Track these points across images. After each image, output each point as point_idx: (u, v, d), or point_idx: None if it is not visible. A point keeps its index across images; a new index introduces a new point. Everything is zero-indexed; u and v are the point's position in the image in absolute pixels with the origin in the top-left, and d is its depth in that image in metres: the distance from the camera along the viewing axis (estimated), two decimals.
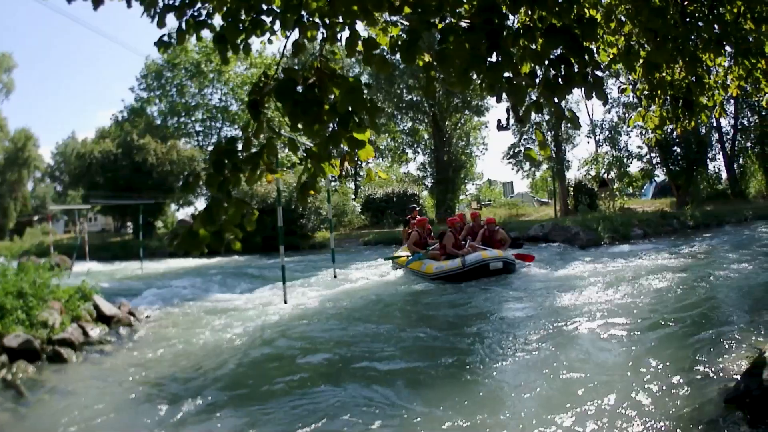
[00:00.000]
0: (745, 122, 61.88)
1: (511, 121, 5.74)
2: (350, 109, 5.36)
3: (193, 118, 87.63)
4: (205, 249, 5.49)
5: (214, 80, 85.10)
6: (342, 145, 5.53)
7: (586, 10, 8.05)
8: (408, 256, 27.83)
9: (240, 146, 5.56)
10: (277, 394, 11.77)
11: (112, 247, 63.30)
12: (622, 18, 9.35)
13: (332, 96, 5.50)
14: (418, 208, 38.33)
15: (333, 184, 58.59)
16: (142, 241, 49.63)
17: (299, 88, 5.38)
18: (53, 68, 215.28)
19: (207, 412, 10.94)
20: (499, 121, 5.93)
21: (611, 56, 10.06)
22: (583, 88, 5.87)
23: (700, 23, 9.21)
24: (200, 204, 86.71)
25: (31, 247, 69.96)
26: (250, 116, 5.56)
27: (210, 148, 75.34)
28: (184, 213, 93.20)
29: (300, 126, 5.29)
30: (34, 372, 13.42)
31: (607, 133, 62.28)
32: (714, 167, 63.84)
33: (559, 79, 5.68)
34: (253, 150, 5.58)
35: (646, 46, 9.44)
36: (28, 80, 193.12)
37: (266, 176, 5.74)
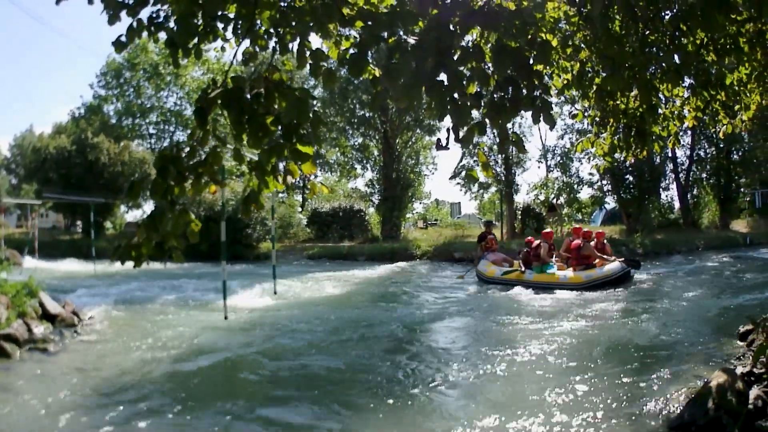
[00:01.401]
0: (702, 153, 62.43)
1: (452, 141, 5.75)
2: (295, 121, 5.32)
3: (147, 120, 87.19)
4: (147, 262, 5.48)
5: (170, 83, 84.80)
6: (285, 158, 5.50)
7: (542, 34, 8.12)
8: (517, 270, 28.87)
9: (185, 154, 5.51)
10: (206, 406, 11.79)
11: (61, 244, 62.89)
12: (580, 44, 9.42)
13: (278, 107, 5.46)
14: (495, 224, 39.01)
15: (280, 195, 58.66)
16: (95, 240, 49.23)
17: (247, 97, 5.36)
18: (14, 57, 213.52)
19: (138, 418, 10.93)
20: (438, 140, 5.95)
21: (565, 81, 10.14)
22: (530, 112, 5.90)
23: (660, 53, 9.27)
24: (149, 208, 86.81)
25: None
26: (196, 124, 5.52)
27: None
28: (132, 215, 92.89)
29: (244, 136, 5.28)
30: None
31: (558, 158, 62.62)
32: (667, 197, 64.42)
33: (506, 102, 5.70)
34: (198, 159, 5.55)
35: (601, 72, 9.52)
36: None
37: (210, 187, 5.73)
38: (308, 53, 6.40)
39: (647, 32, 8.87)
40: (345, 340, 17.24)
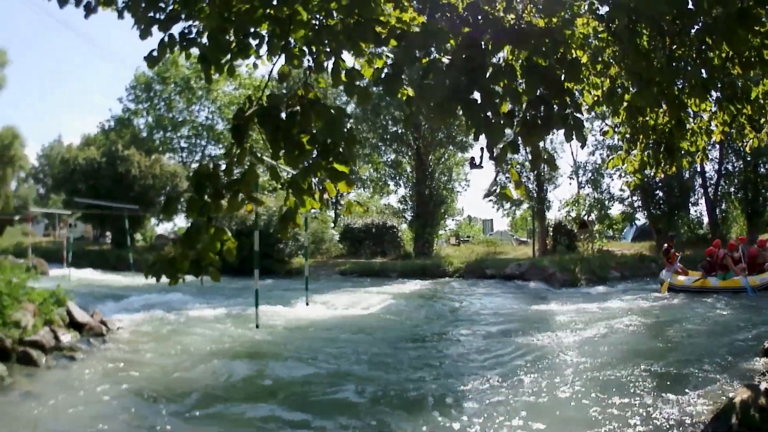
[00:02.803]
0: (730, 167, 61.77)
1: (485, 159, 5.76)
2: (329, 139, 5.35)
3: (178, 134, 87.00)
4: (183, 279, 5.50)
5: (202, 97, 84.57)
6: (321, 176, 5.52)
7: (572, 51, 8.13)
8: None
9: (222, 171, 5.54)
10: (232, 414, 11.85)
11: (90, 254, 62.98)
12: (609, 60, 9.41)
13: (314, 125, 5.47)
14: (674, 238, 40.38)
15: (313, 211, 58.58)
16: (129, 248, 49.25)
17: (282, 115, 5.38)
18: (45, 69, 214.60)
19: (162, 426, 10.95)
20: (472, 159, 5.96)
21: (596, 98, 10.13)
22: (562, 130, 5.91)
23: (687, 67, 9.23)
24: (180, 221, 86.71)
25: (9, 247, 69.55)
26: (234, 141, 5.55)
27: (194, 165, 74.67)
28: (163, 228, 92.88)
29: (281, 154, 5.29)
30: (4, 371, 13.40)
31: (590, 174, 62.17)
32: (696, 212, 63.72)
33: (538, 120, 5.72)
34: (235, 176, 5.57)
35: (630, 89, 9.50)
36: (19, 79, 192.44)
37: (247, 206, 5.75)
38: (343, 72, 6.43)
39: (674, 47, 8.85)
40: (375, 352, 17.25)
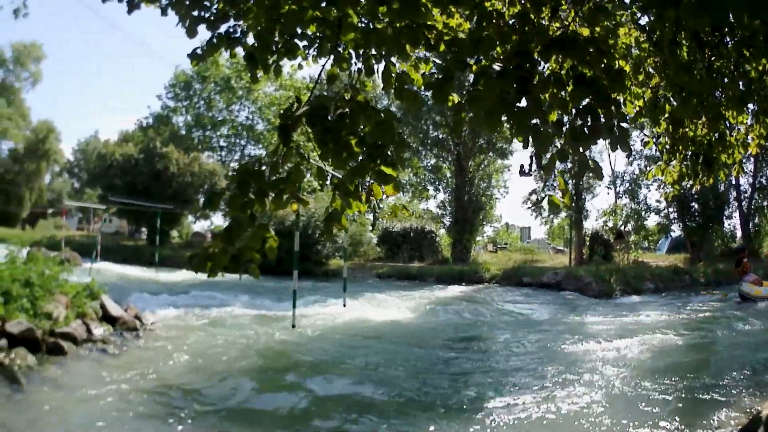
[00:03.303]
0: (764, 181, 61.33)
1: (534, 167, 5.74)
2: (379, 142, 5.33)
3: (218, 133, 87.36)
4: (222, 273, 5.49)
5: (242, 97, 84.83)
6: (368, 179, 5.53)
7: (615, 61, 8.09)
8: None
9: (267, 169, 5.53)
10: (264, 409, 11.93)
11: (124, 250, 63.29)
12: (651, 70, 9.36)
13: (362, 127, 5.47)
14: (744, 249, 41.71)
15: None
16: (158, 247, 49.41)
17: (330, 117, 5.37)
18: (82, 65, 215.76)
19: (195, 423, 10.98)
20: (521, 166, 5.95)
21: (637, 108, 10.09)
22: (608, 140, 5.88)
23: (725, 79, 9.18)
24: (217, 219, 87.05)
25: (42, 239, 70.04)
26: (280, 140, 5.52)
27: (233, 165, 74.94)
28: (199, 225, 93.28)
29: (329, 155, 5.28)
30: (34, 362, 13.47)
31: (627, 185, 61.94)
32: (729, 225, 63.37)
33: (585, 129, 5.69)
34: (280, 175, 5.55)
35: (671, 100, 9.45)
36: (56, 74, 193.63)
37: (291, 204, 5.74)
38: (394, 76, 6.42)
39: (712, 58, 8.80)
40: (409, 356, 17.35)
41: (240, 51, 7.44)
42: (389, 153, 5.31)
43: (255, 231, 5.36)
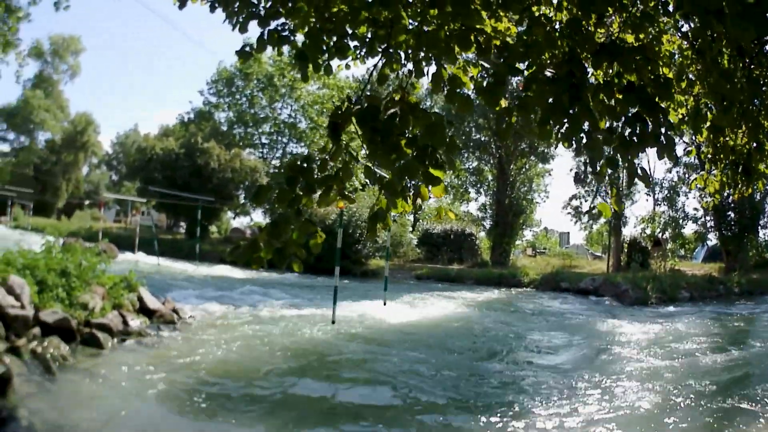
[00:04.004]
0: None
1: (589, 174, 5.76)
2: (430, 144, 5.34)
3: (260, 130, 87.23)
4: (265, 264, 5.55)
5: (285, 95, 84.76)
6: (416, 180, 5.56)
7: (660, 69, 8.08)
8: None
9: (316, 166, 5.58)
10: (299, 404, 11.94)
11: (161, 243, 63.67)
12: (692, 77, 9.34)
13: (410, 128, 5.49)
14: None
15: (392, 214, 59.27)
16: (199, 239, 49.54)
17: (381, 117, 5.40)
18: (123, 59, 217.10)
19: (230, 417, 11.06)
20: (577, 173, 6.01)
21: (680, 116, 10.06)
22: (654, 148, 5.89)
23: (763, 87, 9.12)
24: (257, 216, 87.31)
25: (79, 230, 70.56)
26: (330, 138, 5.60)
27: (274, 162, 75.17)
28: (239, 221, 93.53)
29: (378, 155, 5.31)
30: (68, 351, 13.47)
31: (666, 192, 61.59)
32: (764, 235, 62.90)
33: (634, 137, 5.70)
34: (329, 172, 5.62)
35: (713, 108, 9.42)
36: (97, 67, 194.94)
37: (338, 202, 5.79)
38: (446, 79, 6.44)
39: (752, 66, 8.74)
40: (447, 358, 17.41)
41: (285, 49, 7.52)
42: (438, 155, 5.32)
43: (301, 226, 5.42)
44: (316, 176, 5.56)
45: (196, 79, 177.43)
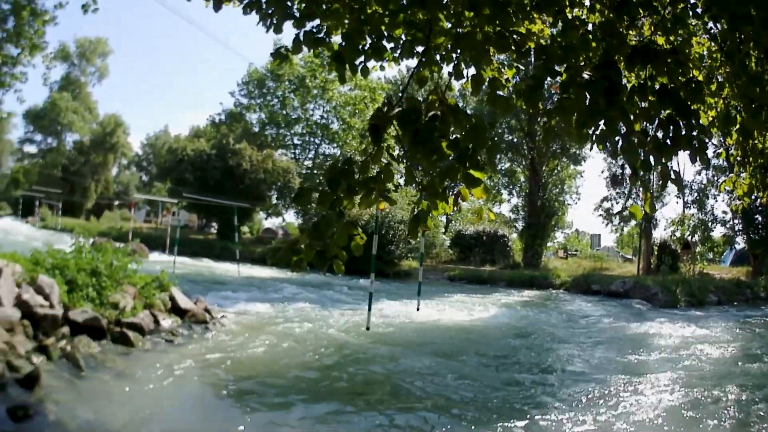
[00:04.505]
0: None
1: (626, 177, 5.81)
2: (471, 146, 5.39)
3: (292, 131, 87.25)
4: (306, 267, 5.61)
5: (317, 96, 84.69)
6: (456, 182, 5.61)
7: (691, 71, 8.09)
8: None
9: (356, 168, 5.64)
10: (331, 408, 11.99)
11: (193, 243, 63.72)
12: (721, 80, 9.33)
13: (453, 130, 5.52)
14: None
15: None
16: (238, 243, 49.57)
17: (421, 119, 5.43)
18: (152, 62, 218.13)
19: (260, 418, 11.10)
20: (614, 175, 6.04)
21: (710, 119, 10.06)
22: (687, 151, 5.91)
23: None
24: (288, 216, 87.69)
25: (110, 230, 70.96)
26: (371, 140, 5.64)
27: (307, 163, 75.23)
28: (271, 222, 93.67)
29: (418, 157, 5.35)
30: (98, 350, 13.65)
31: (695, 194, 61.25)
32: None
33: (668, 140, 5.72)
34: (370, 174, 5.68)
35: (742, 111, 9.42)
36: (125, 69, 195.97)
37: (379, 204, 5.85)
38: (487, 81, 6.48)
39: None
40: (481, 362, 17.45)
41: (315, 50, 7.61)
42: (479, 157, 5.35)
43: (343, 228, 5.48)
44: (357, 178, 5.61)
45: (226, 81, 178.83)
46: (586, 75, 5.69)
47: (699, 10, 7.54)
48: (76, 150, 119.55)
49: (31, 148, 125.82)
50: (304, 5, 7.39)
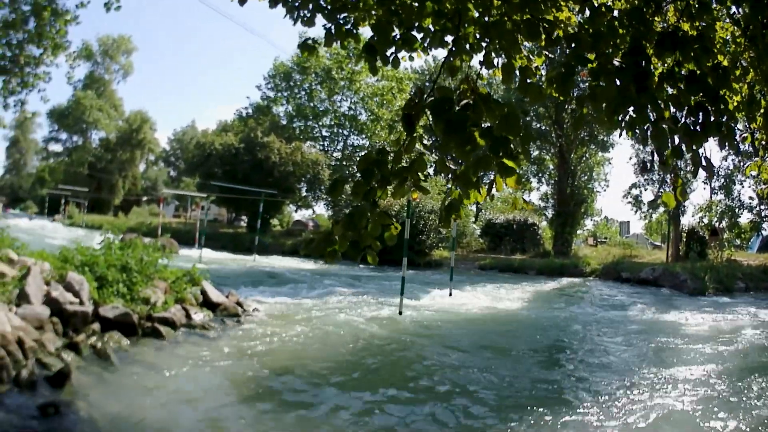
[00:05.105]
0: None
1: (655, 164, 5.80)
2: (504, 134, 5.38)
3: (320, 123, 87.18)
4: (339, 257, 5.66)
5: (344, 88, 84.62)
6: (490, 171, 5.64)
7: (717, 56, 8.07)
8: None
9: (390, 158, 5.69)
10: (368, 396, 12.03)
11: (222, 237, 63.91)
12: (745, 64, 9.30)
13: (485, 119, 5.54)
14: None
15: None
16: (261, 231, 49.68)
17: (453, 109, 5.45)
18: (178, 58, 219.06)
19: (293, 410, 11.13)
20: (643, 163, 6.05)
21: (735, 104, 10.05)
22: (716, 138, 5.93)
23: None
24: (318, 208, 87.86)
25: (140, 226, 71.34)
26: (404, 130, 5.68)
27: (336, 155, 75.39)
28: (300, 214, 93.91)
29: (451, 146, 5.37)
30: (128, 345, 13.79)
31: (722, 180, 60.93)
32: None
33: (698, 127, 5.74)
34: (403, 164, 5.72)
35: (767, 95, 9.38)
36: (151, 66, 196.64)
37: (412, 193, 5.89)
38: (517, 70, 6.50)
39: None
40: (513, 347, 17.54)
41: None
42: (512, 146, 5.38)
43: (376, 218, 5.52)
44: (391, 168, 5.65)
45: (252, 75, 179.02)
46: (616, 62, 5.71)
47: None
48: (102, 147, 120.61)
49: (56, 147, 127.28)
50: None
